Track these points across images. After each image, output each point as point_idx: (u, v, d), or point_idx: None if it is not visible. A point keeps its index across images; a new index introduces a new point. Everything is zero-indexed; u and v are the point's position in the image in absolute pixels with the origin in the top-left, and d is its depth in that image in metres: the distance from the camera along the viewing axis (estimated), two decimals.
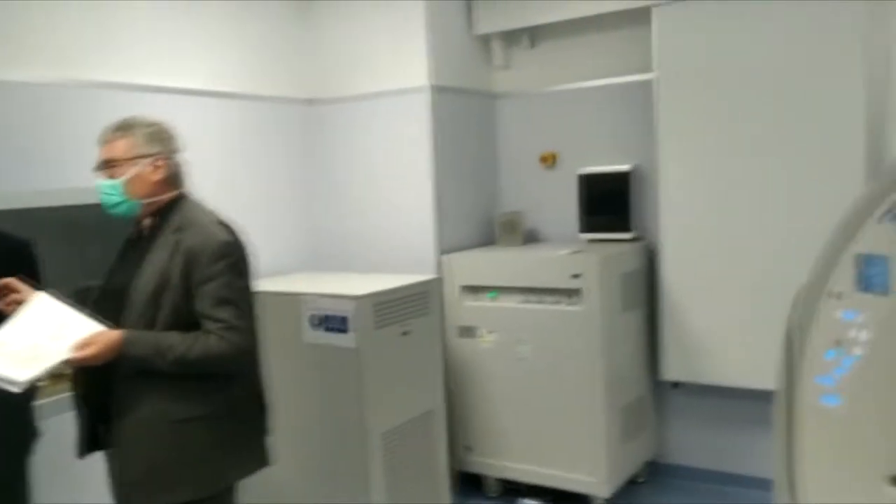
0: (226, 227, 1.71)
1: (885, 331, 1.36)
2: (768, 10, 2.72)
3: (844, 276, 1.45)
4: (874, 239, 1.36)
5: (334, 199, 3.32)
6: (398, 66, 3.09)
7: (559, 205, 3.36)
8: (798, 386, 1.61)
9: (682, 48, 2.89)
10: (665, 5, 2.90)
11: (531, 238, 3.43)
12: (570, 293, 2.82)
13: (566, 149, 3.36)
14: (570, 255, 2.85)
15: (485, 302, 3.03)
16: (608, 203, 3.19)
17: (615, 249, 2.99)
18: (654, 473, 3.25)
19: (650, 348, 3.14)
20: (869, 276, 1.39)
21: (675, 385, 3.17)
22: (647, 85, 3.00)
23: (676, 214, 2.95)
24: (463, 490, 3.19)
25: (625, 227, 3.14)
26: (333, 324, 2.47)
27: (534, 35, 3.40)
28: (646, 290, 3.12)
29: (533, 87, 3.43)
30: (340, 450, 2.51)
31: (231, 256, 1.67)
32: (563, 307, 2.85)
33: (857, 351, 1.42)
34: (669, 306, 3.02)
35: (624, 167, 3.14)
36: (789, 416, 1.64)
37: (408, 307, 2.62)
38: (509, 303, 2.98)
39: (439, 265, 3.10)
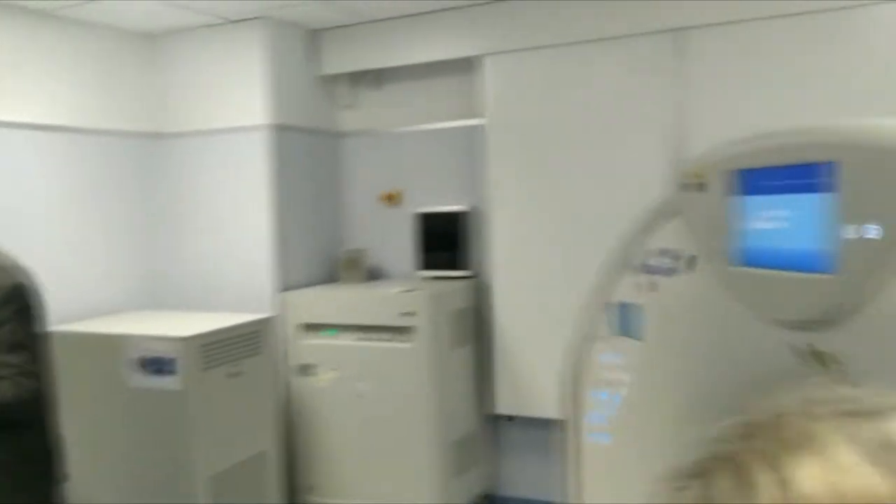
0: (18, 269, 1.67)
1: (641, 374, 1.47)
2: (589, 62, 2.91)
3: (607, 322, 1.57)
4: (630, 288, 1.48)
5: (173, 236, 3.26)
6: (238, 104, 3.09)
7: (402, 243, 3.43)
8: (578, 424, 1.72)
9: (509, 95, 3.04)
10: (496, 55, 3.05)
11: (374, 275, 3.48)
12: (402, 331, 2.88)
13: (410, 188, 3.44)
14: (402, 293, 2.91)
15: (324, 340, 3.04)
16: (445, 241, 3.29)
17: (447, 287, 3.09)
18: None
19: (483, 383, 3.24)
20: (626, 322, 1.51)
21: (510, 419, 3.27)
22: (481, 129, 3.14)
23: (507, 253, 3.08)
24: None
25: (460, 265, 3.25)
26: (159, 366, 2.41)
27: (380, 76, 3.48)
28: (479, 327, 3.23)
29: (378, 127, 3.50)
30: (168, 495, 2.44)
31: (21, 300, 1.63)
32: (396, 344, 2.90)
33: (622, 392, 1.54)
34: (501, 341, 3.14)
35: (459, 207, 3.25)
36: (574, 452, 1.75)
37: (238, 347, 2.60)
38: (348, 340, 3.01)
39: (277, 303, 3.09)
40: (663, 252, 1.37)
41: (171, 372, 2.39)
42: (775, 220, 1.09)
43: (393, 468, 2.95)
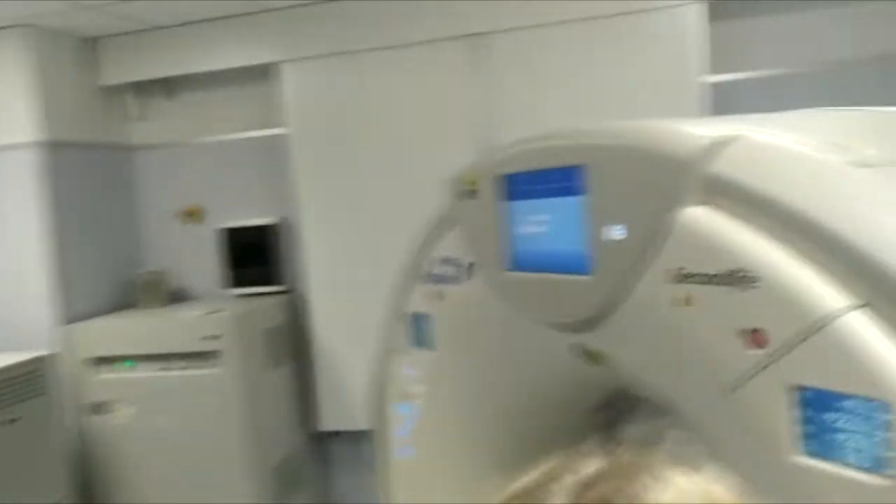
0: None
1: (435, 385, 1.44)
2: (391, 68, 2.88)
3: (402, 333, 1.52)
4: (421, 298, 1.44)
5: None
6: (1, 121, 2.76)
7: (207, 261, 3.23)
8: (385, 438, 1.66)
9: (310, 103, 2.95)
10: (294, 61, 2.95)
11: (177, 297, 3.25)
12: (207, 356, 2.71)
13: (211, 203, 3.25)
14: (204, 315, 2.74)
15: (120, 373, 2.79)
16: (255, 257, 3.14)
17: (259, 304, 2.94)
18: None
19: (305, 401, 3.13)
20: (420, 333, 1.47)
21: (336, 434, 3.18)
22: (284, 139, 3.02)
23: (321, 265, 2.99)
24: None
25: (274, 281, 3.12)
26: None
27: (171, 86, 3.26)
28: (298, 343, 3.11)
29: (172, 140, 3.28)
30: None
31: None
32: (201, 371, 2.72)
33: (419, 404, 1.50)
34: (322, 356, 3.04)
35: (268, 220, 3.11)
36: (383, 468, 1.70)
37: (11, 391, 2.32)
38: (147, 372, 2.78)
39: (59, 337, 2.80)
40: (446, 261, 1.35)
41: None
42: (539, 224, 1.08)
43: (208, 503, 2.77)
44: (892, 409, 0.66)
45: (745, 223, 0.80)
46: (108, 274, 3.11)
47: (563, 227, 1.04)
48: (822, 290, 0.72)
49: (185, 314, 2.82)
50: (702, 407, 0.88)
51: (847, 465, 0.71)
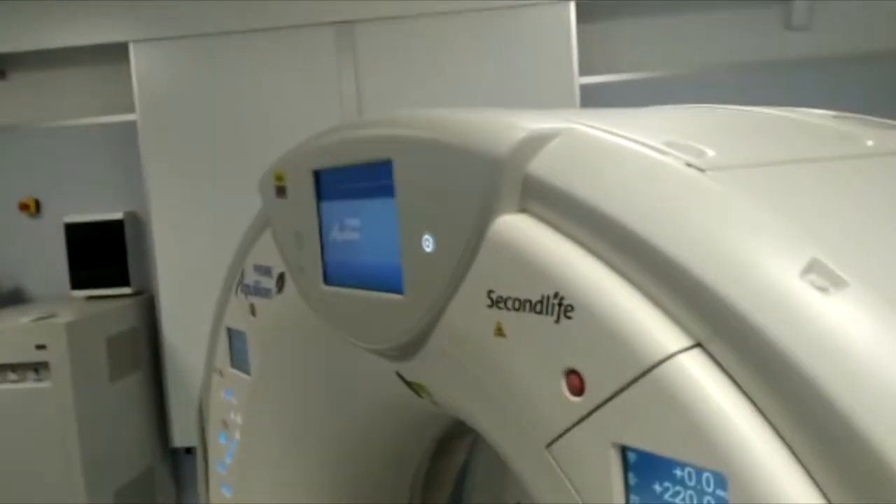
0: None
1: (250, 416, 1.24)
2: (251, 54, 2.65)
3: (221, 351, 1.32)
4: (236, 311, 1.24)
5: None
6: None
7: (49, 258, 2.91)
8: (209, 471, 1.45)
9: (163, 88, 2.68)
10: (145, 42, 2.67)
11: (15, 299, 2.92)
12: (38, 367, 2.41)
13: (51, 195, 2.93)
14: (33, 322, 2.43)
15: None
16: (102, 255, 2.83)
17: (100, 309, 2.65)
18: None
19: (158, 414, 2.85)
20: (236, 352, 1.27)
21: (192, 450, 2.92)
22: (134, 126, 2.74)
23: (172, 264, 2.73)
24: None
25: (122, 282, 2.83)
26: None
27: (4, 65, 2.91)
28: (147, 350, 2.83)
29: (6, 124, 2.93)
30: None
31: None
32: (30, 385, 2.42)
33: (236, 436, 1.29)
34: (173, 365, 2.77)
35: (116, 215, 2.82)
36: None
37: None
38: None
39: None
40: (258, 269, 1.15)
41: None
42: (352, 230, 0.90)
43: None
44: (727, 483, 0.52)
45: (565, 237, 0.64)
46: None
47: (375, 235, 0.86)
48: (647, 325, 0.57)
49: (13, 321, 2.50)
50: (522, 461, 0.72)
51: None
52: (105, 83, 2.82)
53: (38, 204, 2.91)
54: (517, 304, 0.66)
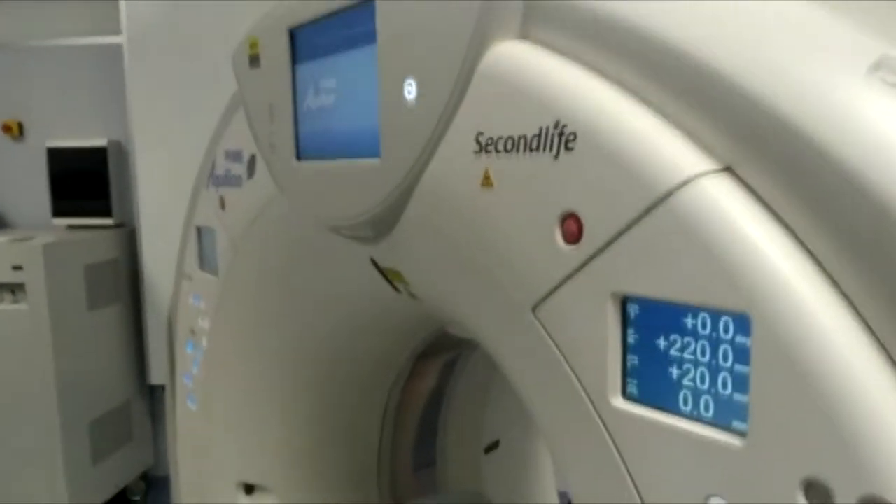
0: None
1: (219, 319, 1.14)
2: None
3: (191, 253, 1.22)
4: (206, 207, 1.14)
5: None
6: None
7: (32, 184, 2.81)
8: (175, 384, 1.36)
9: (151, 9, 2.55)
10: None
11: None
12: (14, 289, 2.31)
13: (35, 117, 2.81)
14: (10, 242, 2.34)
15: None
16: (84, 182, 2.73)
17: (80, 237, 2.56)
18: (152, 488, 2.90)
19: (137, 349, 2.77)
20: (205, 252, 1.17)
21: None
22: (121, 49, 2.62)
23: (156, 195, 2.62)
24: None
25: (104, 212, 2.72)
26: None
27: None
28: (127, 284, 2.74)
29: None
30: None
31: None
32: (7, 306, 2.33)
33: (203, 343, 1.20)
34: (153, 300, 2.68)
35: (100, 141, 2.71)
36: (171, 421, 1.40)
37: None
38: None
39: None
40: (229, 155, 1.05)
41: None
42: (328, 92, 0.80)
43: (13, 459, 2.39)
44: (751, 326, 0.42)
45: (572, 60, 0.54)
46: None
47: (352, 93, 0.76)
48: (665, 148, 0.47)
49: None
50: (502, 337, 0.62)
51: (682, 415, 0.47)
52: (92, 3, 2.70)
53: (20, 127, 2.80)
54: (509, 145, 0.56)
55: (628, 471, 0.49)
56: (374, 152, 0.73)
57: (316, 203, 0.84)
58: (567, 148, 0.51)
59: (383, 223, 0.75)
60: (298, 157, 0.85)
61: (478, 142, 0.59)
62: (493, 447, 1.43)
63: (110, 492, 2.66)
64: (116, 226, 2.73)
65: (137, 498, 2.83)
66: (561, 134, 0.52)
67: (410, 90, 0.66)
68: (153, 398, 2.86)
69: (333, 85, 0.79)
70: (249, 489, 1.21)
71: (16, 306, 2.30)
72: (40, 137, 2.74)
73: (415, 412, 1.31)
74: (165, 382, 2.70)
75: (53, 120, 2.76)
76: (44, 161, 2.69)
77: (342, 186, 0.79)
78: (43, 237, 2.40)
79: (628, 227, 0.48)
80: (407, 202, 0.69)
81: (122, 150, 2.72)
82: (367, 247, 0.82)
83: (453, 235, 0.64)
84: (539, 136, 0.53)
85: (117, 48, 2.59)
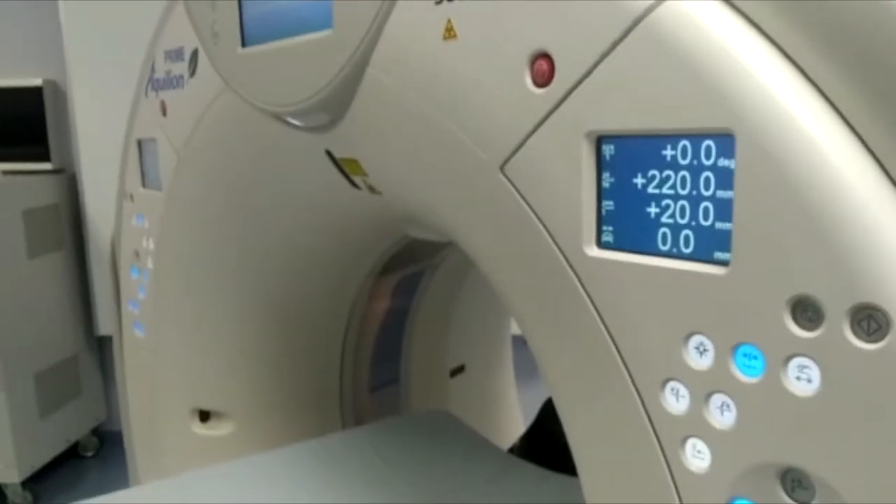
0: None
1: (164, 237, 1.09)
2: None
3: (132, 171, 1.16)
4: (145, 117, 1.08)
5: None
6: None
7: None
8: (121, 312, 1.31)
9: None
10: None
11: None
12: None
13: None
14: None
15: None
16: (18, 125, 2.59)
17: (15, 182, 2.44)
18: (105, 444, 2.83)
19: (83, 299, 2.67)
20: (147, 166, 1.11)
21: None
22: None
23: (95, 137, 2.50)
24: None
25: (41, 156, 2.60)
26: None
27: None
28: (70, 231, 2.63)
29: None
30: None
31: None
32: None
33: (149, 265, 1.15)
34: (97, 247, 2.58)
35: (34, 81, 2.57)
36: (119, 353, 1.34)
37: None
38: None
39: None
40: (169, 55, 0.99)
41: None
42: None
43: None
44: (736, 145, 0.40)
45: None
46: None
47: None
48: None
49: None
50: (468, 206, 0.59)
51: (660, 254, 0.45)
52: None
53: None
54: None
55: (603, 322, 0.47)
56: (325, 24, 0.68)
57: (264, 90, 0.79)
58: None
59: (338, 102, 0.70)
60: (244, 44, 0.80)
61: None
62: (457, 371, 1.41)
63: (60, 447, 2.59)
64: (56, 171, 2.61)
65: (90, 454, 2.76)
66: None
67: None
68: (102, 350, 2.78)
69: None
70: (205, 416, 1.17)
71: None
72: None
73: (373, 332, 1.28)
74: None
75: None
76: None
77: (292, 67, 0.74)
78: None
79: (602, 58, 0.45)
80: (363, 74, 0.65)
81: (58, 91, 2.59)
82: (321, 136, 0.77)
83: (414, 103, 0.60)
84: None
85: None
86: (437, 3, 0.55)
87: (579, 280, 0.49)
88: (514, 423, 1.55)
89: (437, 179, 0.62)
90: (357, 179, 0.80)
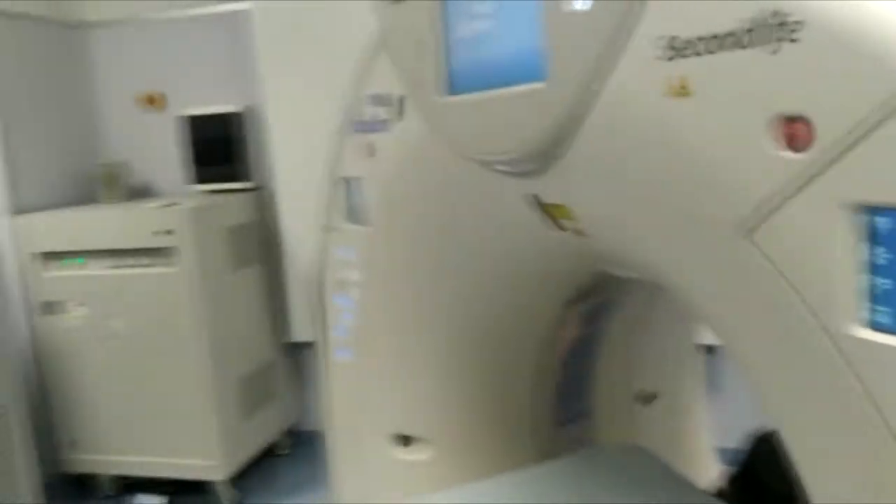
0: None
1: (371, 270, 1.14)
2: None
3: (336, 206, 1.22)
4: (350, 156, 1.13)
5: None
6: None
7: (172, 153, 2.93)
8: (327, 338, 1.38)
9: None
10: None
11: (141, 192, 2.97)
12: (162, 253, 2.43)
13: (174, 88, 2.92)
14: (157, 208, 2.45)
15: (70, 270, 2.53)
16: (219, 149, 2.82)
17: (221, 200, 2.65)
18: (297, 444, 3.01)
19: (277, 309, 2.86)
20: (352, 202, 1.16)
21: (310, 345, 2.93)
22: (249, 15, 2.67)
23: (290, 157, 2.67)
24: (71, 493, 2.70)
25: (240, 176, 2.81)
26: None
27: None
28: (265, 245, 2.82)
29: (129, 16, 2.93)
30: None
31: None
32: (156, 270, 2.45)
33: (355, 294, 1.20)
34: (292, 260, 2.75)
35: (233, 107, 2.78)
36: (325, 374, 1.42)
37: None
38: (98, 269, 2.51)
39: (5, 229, 2.53)
40: (375, 100, 1.02)
41: None
42: (482, 18, 0.75)
43: (165, 417, 2.53)
44: None
45: None
46: (63, 164, 2.81)
47: (511, 15, 0.71)
48: None
49: (137, 208, 2.53)
50: (704, 264, 0.56)
51: None
52: None
53: (160, 97, 2.92)
54: (711, 46, 0.49)
55: (877, 408, 0.43)
56: (536, 75, 0.67)
57: (471, 139, 0.80)
58: (791, 40, 0.44)
59: (549, 153, 0.69)
60: (450, 92, 0.81)
61: (670, 47, 0.53)
62: (647, 399, 1.36)
63: (258, 447, 2.78)
64: (254, 189, 2.82)
65: (286, 452, 2.95)
66: (781, 24, 0.45)
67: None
68: (295, 356, 2.96)
69: (486, 9, 0.74)
70: (405, 440, 1.21)
71: (167, 269, 2.42)
72: (178, 107, 2.85)
73: (560, 362, 1.27)
74: (308, 339, 2.79)
75: (189, 89, 2.86)
76: (181, 130, 2.80)
77: (500, 117, 0.74)
78: (189, 202, 2.50)
79: (875, 127, 0.40)
80: (579, 127, 0.64)
81: (256, 116, 2.79)
82: (526, 182, 0.77)
83: (639, 158, 0.58)
84: (752, 30, 0.46)
85: (248, 14, 2.64)
86: (669, 59, 0.53)
87: (845, 360, 0.44)
88: (705, 456, 1.47)
89: (666, 236, 0.59)
90: (563, 223, 0.79)
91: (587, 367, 1.32)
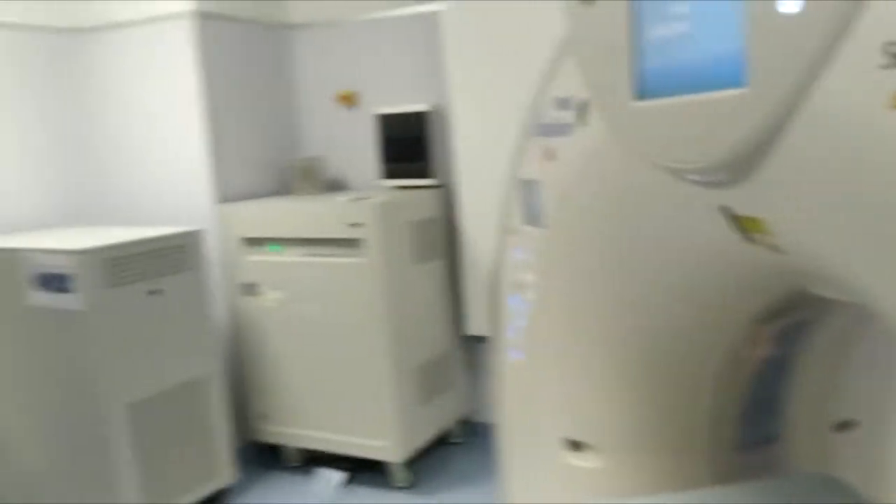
0: None
1: (546, 271, 1.13)
2: None
3: (515, 208, 1.23)
4: (531, 159, 1.13)
5: (95, 145, 2.95)
6: None
7: (363, 149, 3.09)
8: (500, 338, 1.40)
9: None
10: None
11: (335, 186, 3.15)
12: (352, 244, 2.57)
13: (368, 87, 3.07)
14: (349, 202, 2.59)
15: (268, 256, 2.74)
16: (408, 146, 2.93)
17: (408, 196, 2.75)
18: (469, 433, 3.08)
19: (454, 302, 2.93)
20: (530, 205, 1.17)
21: (484, 339, 2.97)
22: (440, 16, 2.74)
23: (473, 156, 2.72)
24: (260, 461, 2.94)
25: (425, 173, 2.90)
26: (55, 283, 2.14)
27: None
28: (446, 240, 2.90)
29: (330, 18, 3.11)
30: (79, 422, 2.22)
31: None
32: (345, 259, 2.59)
33: (530, 296, 1.21)
34: (471, 255, 2.81)
35: (422, 107, 2.88)
36: (497, 373, 1.44)
37: (156, 263, 2.31)
38: (293, 256, 2.70)
39: (215, 216, 2.79)
40: (557, 103, 1.01)
41: (69, 289, 2.12)
42: (677, 19, 0.72)
43: (349, 397, 2.68)
44: None
45: None
46: (265, 158, 3.05)
47: (709, 17, 0.68)
48: None
49: (331, 201, 2.69)
50: None
51: None
52: None
53: (354, 96, 3.08)
54: None
55: None
56: (736, 81, 0.63)
57: (661, 145, 0.77)
58: None
59: (745, 163, 0.65)
60: (640, 97, 0.79)
61: (888, 53, 0.48)
62: (845, 426, 1.25)
63: (433, 433, 2.87)
64: (438, 186, 2.90)
65: (460, 440, 3.02)
66: None
67: (794, 1, 0.55)
68: (470, 349, 3.02)
69: (683, 10, 0.71)
70: (575, 446, 1.20)
71: (355, 260, 2.55)
72: (371, 105, 3.00)
73: (745, 382, 1.19)
74: (483, 334, 2.83)
75: (385, 88, 3.00)
76: (376, 127, 2.94)
77: (694, 124, 0.70)
78: (378, 197, 2.63)
79: None
80: (781, 137, 0.59)
81: (441, 115, 2.86)
82: (717, 192, 0.73)
83: (853, 174, 0.53)
84: None
85: (438, 15, 2.72)
86: (885, 67, 0.48)
87: None
88: None
89: (876, 258, 0.54)
90: (755, 236, 0.74)
91: (778, 390, 1.23)
